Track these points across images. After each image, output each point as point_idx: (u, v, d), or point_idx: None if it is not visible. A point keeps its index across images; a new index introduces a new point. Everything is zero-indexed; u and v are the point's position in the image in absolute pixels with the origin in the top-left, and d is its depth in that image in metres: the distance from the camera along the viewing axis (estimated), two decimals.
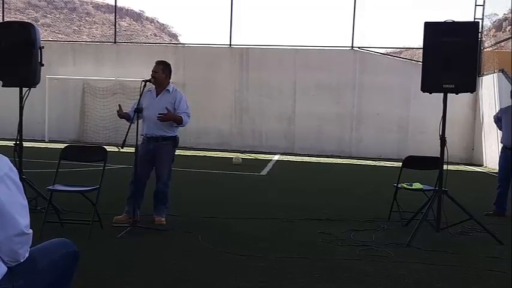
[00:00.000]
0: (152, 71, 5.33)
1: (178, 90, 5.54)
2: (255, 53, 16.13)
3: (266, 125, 15.98)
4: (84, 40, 33.39)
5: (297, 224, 5.64)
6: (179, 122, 5.27)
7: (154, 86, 5.39)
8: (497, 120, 6.88)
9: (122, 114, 5.32)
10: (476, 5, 14.96)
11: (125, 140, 4.89)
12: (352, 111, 15.67)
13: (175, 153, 5.54)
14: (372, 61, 15.67)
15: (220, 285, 3.58)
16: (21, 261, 2.01)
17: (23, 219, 1.97)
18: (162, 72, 5.35)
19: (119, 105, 5.39)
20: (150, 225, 5.13)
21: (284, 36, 58.34)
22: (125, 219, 5.19)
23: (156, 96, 5.37)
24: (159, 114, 5.15)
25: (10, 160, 2.05)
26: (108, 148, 5.49)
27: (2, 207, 1.87)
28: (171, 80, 5.55)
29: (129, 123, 5.27)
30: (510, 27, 21.59)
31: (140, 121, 5.33)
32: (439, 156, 5.27)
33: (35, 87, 5.41)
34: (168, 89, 5.39)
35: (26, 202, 2.01)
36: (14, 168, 1.98)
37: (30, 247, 2.07)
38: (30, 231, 2.03)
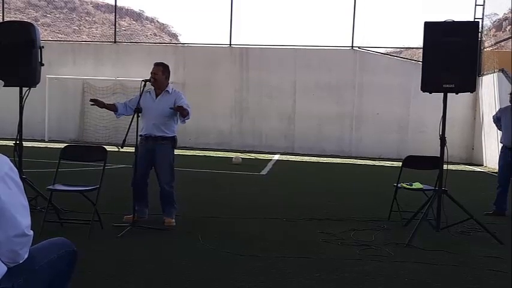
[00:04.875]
0: (152, 73, 5.32)
1: (177, 91, 5.55)
2: (255, 53, 16.13)
3: (266, 125, 15.99)
4: (84, 40, 33.35)
5: (297, 223, 5.64)
6: (186, 114, 5.21)
7: (153, 87, 5.39)
8: (496, 120, 6.89)
9: (101, 105, 5.28)
10: (476, 5, 14.98)
11: (124, 140, 4.89)
12: (352, 111, 15.67)
13: (174, 154, 5.52)
14: (372, 61, 15.67)
15: (220, 285, 3.58)
16: (20, 262, 2.00)
17: (24, 219, 1.96)
18: (162, 74, 5.35)
19: (95, 99, 5.35)
20: (150, 224, 5.12)
21: (284, 36, 58.30)
22: (136, 218, 5.19)
23: (156, 97, 5.37)
24: (177, 105, 5.13)
25: (10, 160, 2.05)
26: (108, 148, 5.48)
27: (3, 206, 1.86)
28: (169, 80, 5.55)
29: (116, 116, 5.43)
30: (510, 27, 21.57)
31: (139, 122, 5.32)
32: (439, 156, 5.27)
33: (35, 87, 5.41)
34: (167, 90, 5.39)
35: (26, 202, 2.00)
36: (15, 168, 1.97)
37: (30, 246, 2.07)
38: (31, 232, 2.02)
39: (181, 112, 5.16)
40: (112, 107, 5.39)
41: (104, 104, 5.33)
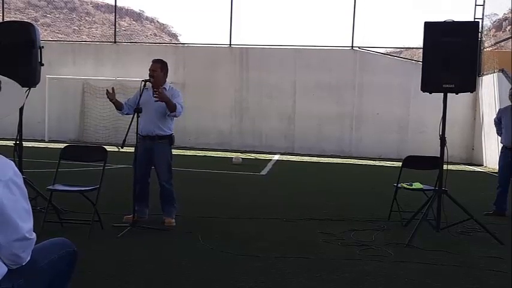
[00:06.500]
0: (150, 70, 5.32)
1: (175, 88, 5.56)
2: (255, 53, 16.13)
3: (266, 125, 15.98)
4: (84, 40, 33.34)
5: (297, 223, 5.64)
6: (173, 108, 5.21)
7: (151, 85, 5.39)
8: (498, 122, 6.77)
9: (112, 98, 5.31)
10: (476, 5, 14.97)
11: (124, 140, 4.90)
12: (352, 111, 15.67)
13: (172, 153, 5.53)
14: (372, 61, 15.67)
15: (220, 285, 3.58)
16: (23, 264, 2.01)
17: (26, 223, 1.96)
18: (160, 71, 5.36)
19: (113, 88, 5.39)
20: (150, 224, 5.12)
21: (284, 36, 58.39)
22: (136, 218, 5.18)
23: (153, 94, 5.36)
24: (155, 90, 5.12)
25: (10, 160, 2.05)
26: (108, 148, 5.49)
27: (4, 210, 1.86)
28: (170, 80, 5.56)
29: (120, 113, 5.46)
30: (510, 27, 21.58)
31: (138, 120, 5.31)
32: (439, 156, 5.27)
33: (35, 87, 5.40)
34: (164, 87, 5.38)
35: (29, 206, 2.01)
36: (19, 173, 1.97)
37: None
38: (34, 235, 2.02)
39: (166, 102, 5.13)
40: (119, 105, 5.40)
41: (114, 98, 5.31)
